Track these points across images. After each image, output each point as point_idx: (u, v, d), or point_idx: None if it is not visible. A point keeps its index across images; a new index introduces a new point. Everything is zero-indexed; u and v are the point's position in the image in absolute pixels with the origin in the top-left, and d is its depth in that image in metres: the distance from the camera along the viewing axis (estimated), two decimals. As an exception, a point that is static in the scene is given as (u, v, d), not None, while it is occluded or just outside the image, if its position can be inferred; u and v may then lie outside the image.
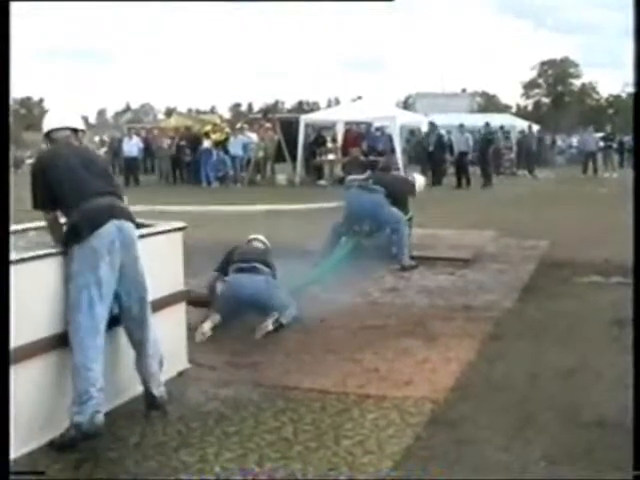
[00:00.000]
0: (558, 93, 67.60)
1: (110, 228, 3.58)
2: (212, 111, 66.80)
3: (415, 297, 6.49)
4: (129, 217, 3.74)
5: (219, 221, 10.92)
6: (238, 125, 25.27)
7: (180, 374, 4.38)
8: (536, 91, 69.92)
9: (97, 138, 30.70)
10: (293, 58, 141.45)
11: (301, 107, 74.42)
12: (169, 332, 4.17)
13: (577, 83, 68.83)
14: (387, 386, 4.23)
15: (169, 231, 4.38)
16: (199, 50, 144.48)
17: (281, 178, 21.08)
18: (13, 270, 3.13)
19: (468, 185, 19.31)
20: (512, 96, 71.81)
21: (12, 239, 3.60)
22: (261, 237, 6.20)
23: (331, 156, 21.40)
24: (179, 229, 4.45)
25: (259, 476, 3.15)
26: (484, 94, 69.81)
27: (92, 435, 3.38)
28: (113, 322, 3.67)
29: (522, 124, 29.64)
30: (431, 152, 20.33)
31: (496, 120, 26.21)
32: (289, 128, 21.57)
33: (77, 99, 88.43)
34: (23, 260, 3.33)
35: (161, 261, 4.14)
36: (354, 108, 24.21)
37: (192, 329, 4.89)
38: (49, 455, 3.33)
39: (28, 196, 3.67)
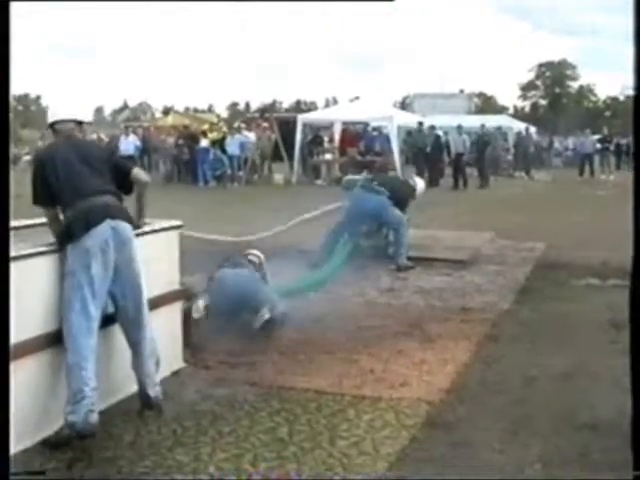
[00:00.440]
0: (555, 95, 67.78)
1: (104, 228, 3.56)
2: (209, 110, 66.89)
3: (412, 298, 6.48)
4: (126, 217, 3.71)
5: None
6: (235, 124, 25.25)
7: (175, 373, 4.36)
8: (533, 93, 70.12)
9: (94, 136, 30.63)
10: (291, 57, 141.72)
11: (299, 106, 74.55)
12: (164, 331, 4.15)
13: (575, 85, 69.14)
14: (383, 387, 4.21)
15: (165, 229, 4.36)
16: (197, 49, 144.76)
17: (278, 178, 21.04)
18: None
19: (465, 186, 19.34)
20: (509, 97, 72.21)
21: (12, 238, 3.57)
22: (256, 252, 6.06)
23: (328, 156, 21.43)
24: (175, 227, 4.43)
25: (253, 476, 3.13)
26: (482, 95, 69.90)
27: (86, 434, 3.37)
28: (107, 321, 3.66)
29: (519, 125, 29.63)
30: (428, 153, 20.34)
31: (493, 121, 26.26)
32: (286, 127, 21.59)
33: (75, 96, 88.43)
34: (21, 257, 3.30)
35: (157, 259, 4.12)
36: (352, 108, 24.28)
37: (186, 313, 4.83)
38: (43, 454, 3.32)
39: (25, 193, 3.65)
